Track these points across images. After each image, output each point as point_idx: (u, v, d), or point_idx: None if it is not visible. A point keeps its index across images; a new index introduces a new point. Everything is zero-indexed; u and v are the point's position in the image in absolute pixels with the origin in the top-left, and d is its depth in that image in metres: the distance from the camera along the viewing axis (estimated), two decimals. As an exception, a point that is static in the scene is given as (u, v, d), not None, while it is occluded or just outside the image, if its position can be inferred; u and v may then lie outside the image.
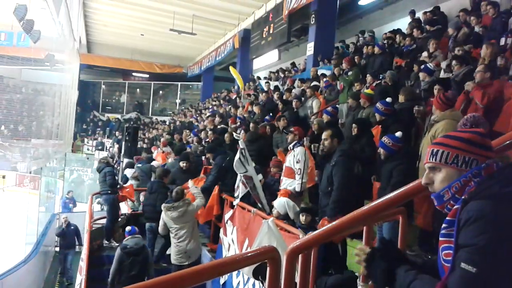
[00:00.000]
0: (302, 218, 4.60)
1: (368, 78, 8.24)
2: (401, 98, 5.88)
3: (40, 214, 12.96)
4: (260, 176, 6.37)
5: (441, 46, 7.62)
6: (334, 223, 2.06)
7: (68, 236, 11.66)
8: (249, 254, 1.90)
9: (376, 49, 9.11)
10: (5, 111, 23.91)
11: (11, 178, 19.11)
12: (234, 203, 6.25)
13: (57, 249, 12.67)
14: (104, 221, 8.42)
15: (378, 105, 5.53)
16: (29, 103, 25.26)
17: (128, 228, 6.65)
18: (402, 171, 4.33)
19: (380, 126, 5.58)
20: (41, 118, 19.97)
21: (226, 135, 8.90)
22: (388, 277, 1.51)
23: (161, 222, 6.72)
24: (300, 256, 2.00)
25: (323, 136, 4.97)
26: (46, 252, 12.77)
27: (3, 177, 18.82)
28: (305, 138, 6.38)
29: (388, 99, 5.71)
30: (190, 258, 6.54)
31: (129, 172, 9.88)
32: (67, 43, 16.16)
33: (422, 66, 6.56)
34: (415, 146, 5.39)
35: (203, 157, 8.82)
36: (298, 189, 5.57)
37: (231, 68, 16.26)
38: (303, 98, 9.69)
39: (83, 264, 6.58)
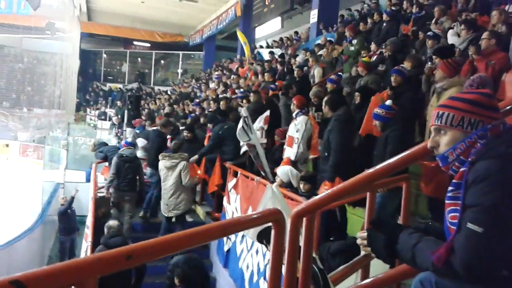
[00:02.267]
0: (302, 186, 4.63)
1: (373, 46, 8.13)
2: (407, 65, 5.79)
3: (44, 183, 13.00)
4: (264, 140, 6.38)
5: (450, 14, 7.46)
6: (337, 186, 2.06)
7: (73, 217, 10.84)
8: (254, 216, 1.91)
9: (385, 16, 8.91)
10: (5, 80, 23.85)
11: (15, 147, 19.18)
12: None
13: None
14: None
15: (403, 68, 5.45)
16: (31, 73, 25.07)
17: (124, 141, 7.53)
18: (398, 138, 4.26)
19: (388, 93, 5.48)
20: (43, 88, 19.88)
21: (221, 102, 8.77)
22: (392, 248, 1.51)
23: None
24: (304, 219, 2.00)
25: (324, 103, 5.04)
26: (51, 221, 12.91)
27: (7, 145, 18.89)
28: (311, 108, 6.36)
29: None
30: (170, 212, 6.93)
31: (141, 142, 9.81)
32: (67, 10, 15.94)
33: (429, 33, 6.44)
34: (416, 114, 5.35)
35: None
36: (292, 158, 5.53)
37: (238, 32, 15.92)
38: (305, 68, 9.58)
39: (88, 231, 6.68)
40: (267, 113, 6.32)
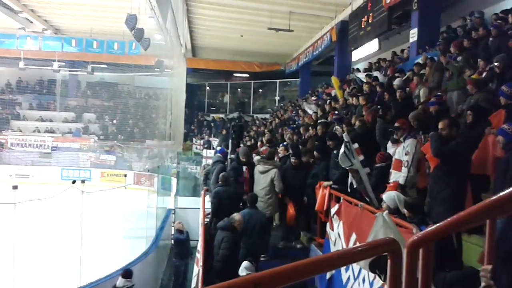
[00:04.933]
0: (404, 211, 4.48)
1: (480, 62, 7.67)
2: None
3: (158, 209, 13.83)
4: (367, 169, 6.25)
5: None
6: (458, 215, 1.99)
7: (187, 242, 11.30)
8: (368, 246, 1.92)
9: (493, 31, 8.39)
10: (120, 115, 26.48)
11: (130, 176, 20.89)
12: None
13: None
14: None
15: (504, 87, 5.12)
16: (143, 107, 27.60)
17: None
18: None
19: (504, 112, 5.14)
20: (154, 121, 21.59)
21: (318, 127, 8.94)
22: None
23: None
24: (421, 250, 1.96)
25: (440, 126, 4.80)
26: (164, 246, 13.60)
27: (125, 175, 20.69)
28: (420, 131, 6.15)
29: None
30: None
31: None
32: (175, 48, 17.12)
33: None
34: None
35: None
36: (402, 182, 5.40)
37: (333, 78, 15.80)
38: (407, 88, 9.28)
39: (199, 255, 7.03)
40: (356, 145, 6.11)
